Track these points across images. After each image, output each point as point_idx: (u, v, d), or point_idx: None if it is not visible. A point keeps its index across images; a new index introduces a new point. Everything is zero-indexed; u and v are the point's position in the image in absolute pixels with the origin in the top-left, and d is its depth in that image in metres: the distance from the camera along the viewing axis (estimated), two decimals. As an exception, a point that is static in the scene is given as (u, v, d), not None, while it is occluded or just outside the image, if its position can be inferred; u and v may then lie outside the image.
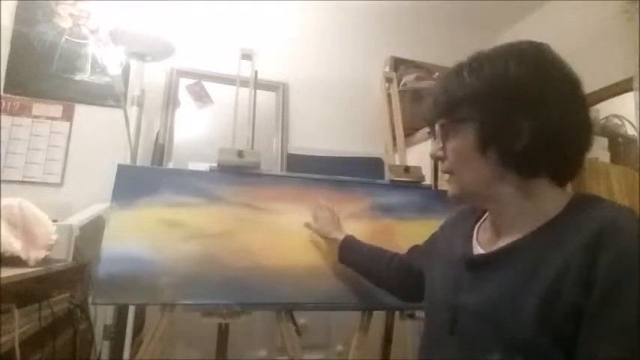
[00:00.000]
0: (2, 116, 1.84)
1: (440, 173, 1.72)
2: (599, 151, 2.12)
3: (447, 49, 2.15)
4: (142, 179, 1.39)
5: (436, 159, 0.70)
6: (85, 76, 1.99)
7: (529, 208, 0.63)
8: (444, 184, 1.22)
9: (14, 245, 1.19)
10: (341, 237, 1.22)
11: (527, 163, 0.62)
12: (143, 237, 1.28)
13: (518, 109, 0.61)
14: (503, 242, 0.65)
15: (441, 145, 0.68)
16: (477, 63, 0.65)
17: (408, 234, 1.45)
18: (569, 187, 0.67)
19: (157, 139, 2.00)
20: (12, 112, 1.87)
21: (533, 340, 0.54)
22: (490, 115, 0.62)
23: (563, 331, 0.53)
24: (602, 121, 2.19)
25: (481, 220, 0.77)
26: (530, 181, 0.63)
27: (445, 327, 0.68)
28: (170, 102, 2.05)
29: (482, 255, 0.67)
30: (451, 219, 0.88)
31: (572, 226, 0.57)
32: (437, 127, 0.68)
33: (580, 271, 0.53)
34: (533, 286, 0.56)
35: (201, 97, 2.13)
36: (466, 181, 0.66)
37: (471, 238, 0.73)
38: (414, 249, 1.02)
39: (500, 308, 0.59)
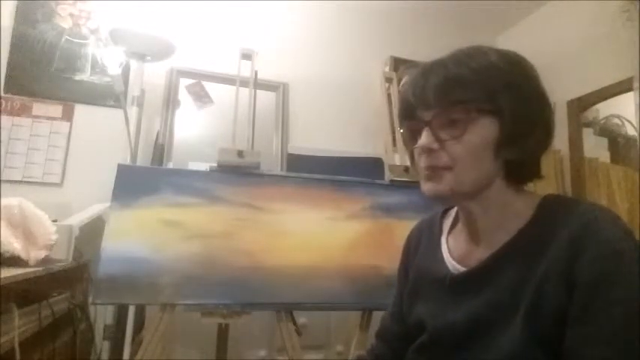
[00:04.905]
0: (2, 116, 1.85)
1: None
2: (599, 151, 2.11)
3: (447, 50, 2.14)
4: (142, 179, 1.39)
5: (428, 152, 0.59)
6: (85, 76, 1.99)
7: (505, 213, 0.61)
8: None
9: (14, 245, 1.19)
10: None
11: (519, 169, 0.61)
12: (143, 237, 1.28)
13: (537, 112, 0.60)
14: (481, 253, 0.63)
15: (436, 136, 0.58)
16: (506, 54, 0.61)
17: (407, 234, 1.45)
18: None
19: (157, 139, 2.00)
20: (12, 112, 1.87)
21: (523, 353, 0.53)
22: (520, 112, 0.57)
23: (551, 337, 0.52)
24: (602, 121, 2.18)
25: (445, 232, 0.73)
26: (509, 186, 0.62)
27: (433, 346, 0.67)
28: (170, 102, 2.05)
29: (464, 273, 0.64)
30: (413, 237, 0.83)
31: (549, 231, 0.56)
32: (444, 113, 0.58)
33: (561, 275, 0.52)
34: (519, 297, 0.55)
35: (201, 97, 2.13)
36: (466, 180, 0.58)
37: (442, 254, 0.70)
38: (392, 313, 0.82)
39: (489, 324, 0.58)
